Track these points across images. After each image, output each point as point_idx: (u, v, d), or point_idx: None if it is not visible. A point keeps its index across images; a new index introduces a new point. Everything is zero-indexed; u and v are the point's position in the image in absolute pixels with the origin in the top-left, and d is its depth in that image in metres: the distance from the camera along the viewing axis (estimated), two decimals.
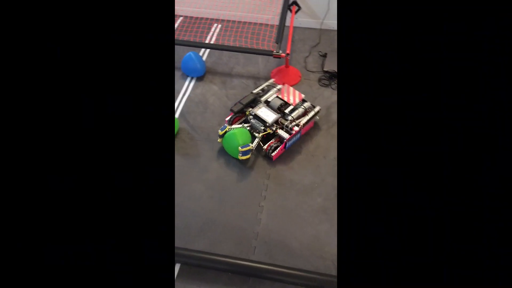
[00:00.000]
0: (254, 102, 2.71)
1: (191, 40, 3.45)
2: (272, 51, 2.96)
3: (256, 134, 2.53)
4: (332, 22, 3.59)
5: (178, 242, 2.07)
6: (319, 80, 3.14)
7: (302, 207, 2.24)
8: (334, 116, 2.84)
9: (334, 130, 2.73)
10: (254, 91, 2.76)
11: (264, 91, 2.81)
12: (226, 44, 3.35)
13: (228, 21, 3.75)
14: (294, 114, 2.57)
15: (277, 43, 2.98)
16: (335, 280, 1.80)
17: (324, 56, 3.33)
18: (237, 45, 3.32)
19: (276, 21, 3.45)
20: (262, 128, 2.53)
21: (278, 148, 2.45)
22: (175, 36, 3.56)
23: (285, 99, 2.67)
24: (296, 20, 3.61)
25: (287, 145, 2.51)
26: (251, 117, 2.61)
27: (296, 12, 3.52)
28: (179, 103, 2.97)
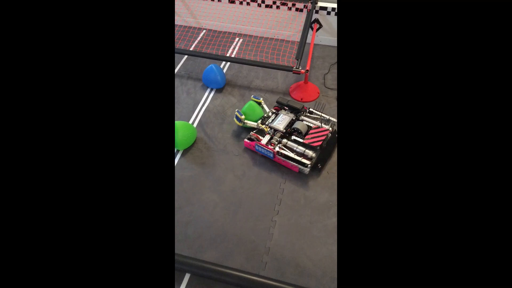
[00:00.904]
0: (296, 111, 2.76)
1: (213, 52, 3.55)
2: (292, 67, 3.00)
3: (258, 122, 2.70)
4: None
5: (189, 252, 2.07)
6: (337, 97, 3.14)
7: (316, 225, 2.21)
8: None
9: None
10: (309, 108, 2.79)
11: (312, 115, 2.75)
12: (246, 58, 3.42)
13: (250, 36, 3.84)
14: (290, 144, 2.48)
15: (297, 59, 3.03)
16: None
17: None
18: (258, 60, 3.38)
19: (297, 38, 3.51)
20: (266, 123, 2.69)
21: (251, 142, 2.59)
22: (198, 49, 3.67)
23: (308, 134, 2.55)
24: (317, 37, 3.66)
25: (256, 148, 2.59)
26: (279, 113, 2.77)
27: (318, 29, 3.58)
28: (198, 113, 3.03)
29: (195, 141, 2.76)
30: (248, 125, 2.69)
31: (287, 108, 2.79)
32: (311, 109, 2.79)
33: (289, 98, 2.99)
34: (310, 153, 2.43)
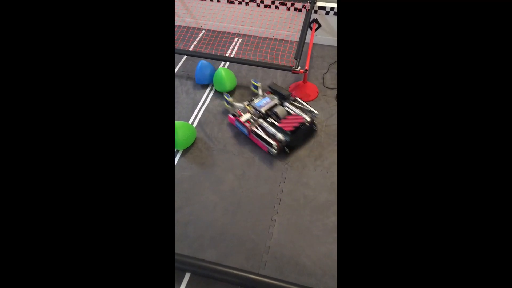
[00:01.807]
0: (282, 96, 2.87)
1: (213, 53, 3.55)
2: (291, 67, 3.01)
3: (245, 103, 2.86)
4: None
5: (189, 251, 2.08)
6: (336, 96, 3.15)
7: (315, 224, 2.22)
8: None
9: None
10: (295, 96, 2.88)
11: (296, 104, 2.86)
12: (246, 58, 3.43)
13: (249, 36, 3.85)
14: (264, 124, 2.67)
15: (296, 59, 3.03)
16: None
17: None
18: (257, 60, 3.39)
19: (295, 38, 3.51)
20: (249, 103, 2.86)
21: (234, 117, 2.75)
22: (197, 49, 3.68)
23: (284, 120, 2.71)
24: (316, 37, 3.67)
25: (236, 123, 2.77)
26: (266, 97, 2.91)
27: (316, 29, 3.59)
28: (198, 113, 3.03)
29: (194, 141, 2.77)
30: (237, 106, 2.85)
31: (277, 94, 2.92)
32: (297, 98, 2.89)
33: (283, 86, 3.12)
34: (279, 135, 2.59)
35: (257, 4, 3.63)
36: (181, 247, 2.11)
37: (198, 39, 3.86)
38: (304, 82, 3.18)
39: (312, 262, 2.04)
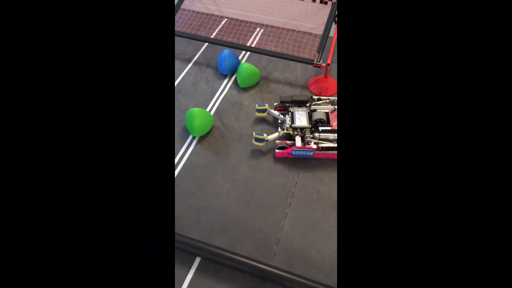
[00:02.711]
0: (304, 103, 2.74)
1: (234, 41, 3.53)
2: (313, 60, 2.95)
3: (279, 130, 2.59)
4: None
5: (200, 236, 2.11)
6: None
7: (327, 220, 2.21)
8: None
9: None
10: (314, 96, 2.78)
11: (321, 102, 2.76)
12: (267, 49, 3.39)
13: (272, 26, 3.79)
14: (323, 135, 2.48)
15: (318, 53, 2.98)
16: None
17: None
18: (278, 51, 3.35)
19: (319, 31, 3.44)
20: (287, 126, 2.59)
21: (284, 150, 2.45)
22: (219, 37, 3.66)
23: (331, 119, 2.61)
24: None
25: (294, 153, 2.47)
26: (290, 113, 2.68)
27: None
28: (215, 102, 3.04)
29: (211, 129, 2.78)
30: (272, 138, 2.52)
31: (296, 105, 2.71)
32: (315, 97, 2.79)
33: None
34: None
35: None
36: (193, 232, 2.15)
37: (220, 26, 3.84)
38: (325, 76, 3.13)
39: (321, 257, 2.03)
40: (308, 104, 2.73)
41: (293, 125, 2.57)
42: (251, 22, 3.85)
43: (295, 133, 2.54)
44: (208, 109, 2.97)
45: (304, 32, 3.66)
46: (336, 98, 2.71)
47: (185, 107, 2.93)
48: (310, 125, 2.57)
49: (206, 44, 3.64)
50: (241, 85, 3.11)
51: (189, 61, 3.46)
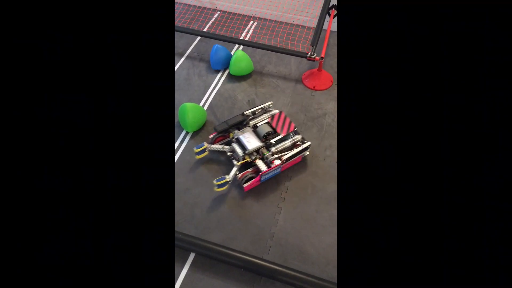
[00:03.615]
0: (242, 123, 2.51)
1: (227, 35, 3.48)
2: (307, 53, 2.93)
3: (235, 162, 2.33)
4: None
5: (195, 232, 2.11)
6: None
7: (322, 214, 2.21)
8: None
9: None
10: (246, 112, 2.51)
11: (256, 114, 2.58)
12: (260, 42, 3.35)
13: (265, 19, 3.75)
14: (279, 146, 2.35)
15: (312, 46, 2.95)
16: None
17: None
18: (272, 44, 3.31)
19: (313, 24, 3.41)
20: (241, 155, 2.30)
21: (252, 180, 2.25)
22: (211, 30, 3.61)
23: (276, 127, 2.45)
24: (334, 24, 3.55)
25: (263, 178, 2.29)
26: (234, 140, 2.40)
27: (335, 16, 3.47)
28: (209, 96, 3.01)
29: (204, 124, 2.76)
30: (232, 176, 2.26)
31: (236, 128, 2.48)
32: (246, 112, 2.53)
33: (225, 119, 2.60)
34: (298, 137, 2.44)
35: None
36: (188, 227, 2.14)
37: (212, 20, 3.78)
38: (319, 70, 3.11)
39: (316, 251, 2.05)
40: (244, 123, 2.53)
41: (247, 152, 2.31)
42: (244, 15, 3.80)
43: (253, 158, 2.32)
44: (201, 104, 2.94)
45: (298, 25, 3.63)
46: (266, 104, 2.62)
47: (179, 102, 2.90)
48: (263, 143, 2.37)
49: (199, 37, 3.59)
50: (232, 72, 3.11)
51: (181, 55, 3.41)
